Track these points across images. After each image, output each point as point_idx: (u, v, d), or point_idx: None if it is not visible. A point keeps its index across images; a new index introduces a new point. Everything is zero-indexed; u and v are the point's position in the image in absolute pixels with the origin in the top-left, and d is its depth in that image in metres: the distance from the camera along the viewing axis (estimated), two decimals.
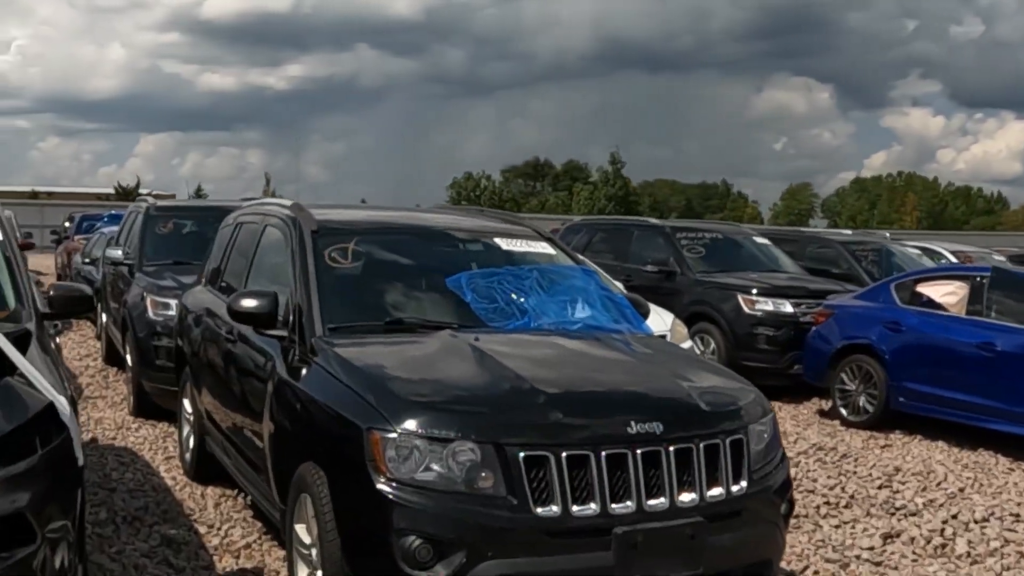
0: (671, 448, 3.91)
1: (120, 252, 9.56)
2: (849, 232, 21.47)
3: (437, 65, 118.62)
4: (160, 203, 10.32)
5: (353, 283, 4.90)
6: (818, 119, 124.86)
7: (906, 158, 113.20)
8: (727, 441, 4.10)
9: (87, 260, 14.29)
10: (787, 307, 11.52)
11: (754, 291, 11.60)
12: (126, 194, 51.35)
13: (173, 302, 7.93)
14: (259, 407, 4.76)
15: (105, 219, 20.26)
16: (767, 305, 11.54)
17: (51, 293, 4.64)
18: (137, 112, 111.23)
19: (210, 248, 6.96)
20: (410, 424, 3.68)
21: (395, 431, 3.66)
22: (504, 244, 5.35)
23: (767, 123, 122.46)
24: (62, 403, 3.48)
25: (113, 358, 10.96)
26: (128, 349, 8.74)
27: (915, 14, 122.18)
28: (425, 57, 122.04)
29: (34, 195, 51.83)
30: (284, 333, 4.60)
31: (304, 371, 4.35)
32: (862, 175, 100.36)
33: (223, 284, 6.19)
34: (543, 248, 5.52)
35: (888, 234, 21.65)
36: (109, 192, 54.35)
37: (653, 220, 14.96)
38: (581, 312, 5.08)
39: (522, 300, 4.86)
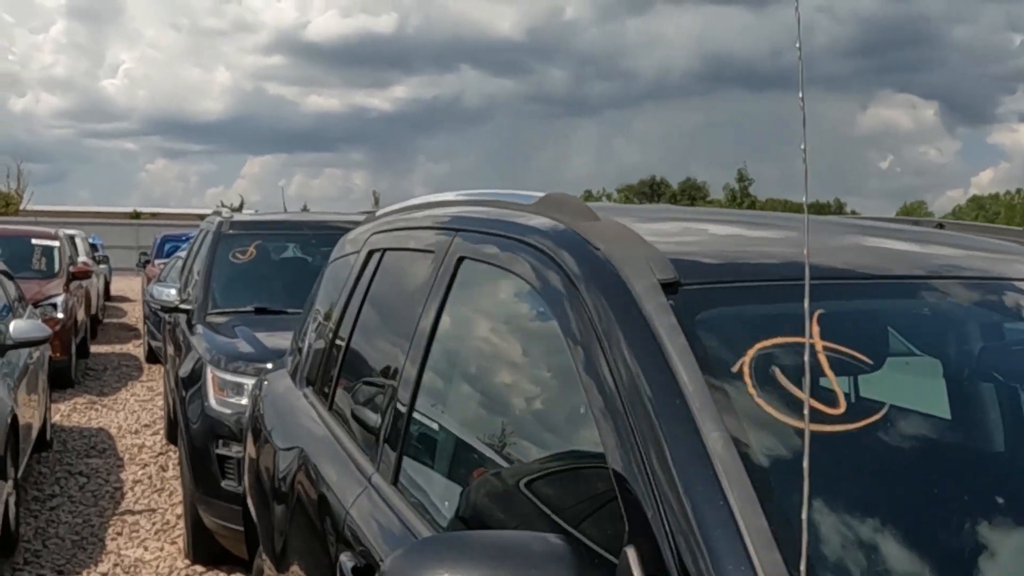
0: None
1: (173, 291, 6.18)
2: None
3: (540, 85, 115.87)
4: (237, 217, 6.90)
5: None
6: (924, 136, 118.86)
7: (1014, 175, 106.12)
8: None
9: None
10: None
11: None
12: None
13: (250, 383, 4.55)
14: None
15: (189, 240, 17.19)
16: None
17: None
18: (243, 134, 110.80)
19: (311, 297, 3.51)
20: None
21: None
22: None
23: (873, 141, 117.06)
24: None
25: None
26: (180, 453, 5.38)
27: (1022, 27, 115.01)
28: (528, 77, 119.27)
29: (136, 215, 50.17)
30: None
31: None
32: (970, 193, 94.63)
33: (343, 389, 2.69)
34: None
35: None
36: (211, 212, 52.32)
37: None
38: None
39: None
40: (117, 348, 14.31)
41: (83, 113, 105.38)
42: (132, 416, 9.36)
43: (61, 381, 10.29)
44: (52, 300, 9.96)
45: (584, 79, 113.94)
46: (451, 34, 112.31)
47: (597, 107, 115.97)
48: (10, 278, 7.29)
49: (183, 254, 11.81)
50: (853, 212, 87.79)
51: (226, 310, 5.71)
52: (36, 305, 9.76)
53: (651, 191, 78.76)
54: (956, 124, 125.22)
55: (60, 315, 9.90)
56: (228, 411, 4.73)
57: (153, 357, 12.38)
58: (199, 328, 5.53)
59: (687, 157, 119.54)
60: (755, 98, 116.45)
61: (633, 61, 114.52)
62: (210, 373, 4.86)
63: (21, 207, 40.71)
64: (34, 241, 11.03)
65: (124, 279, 28.21)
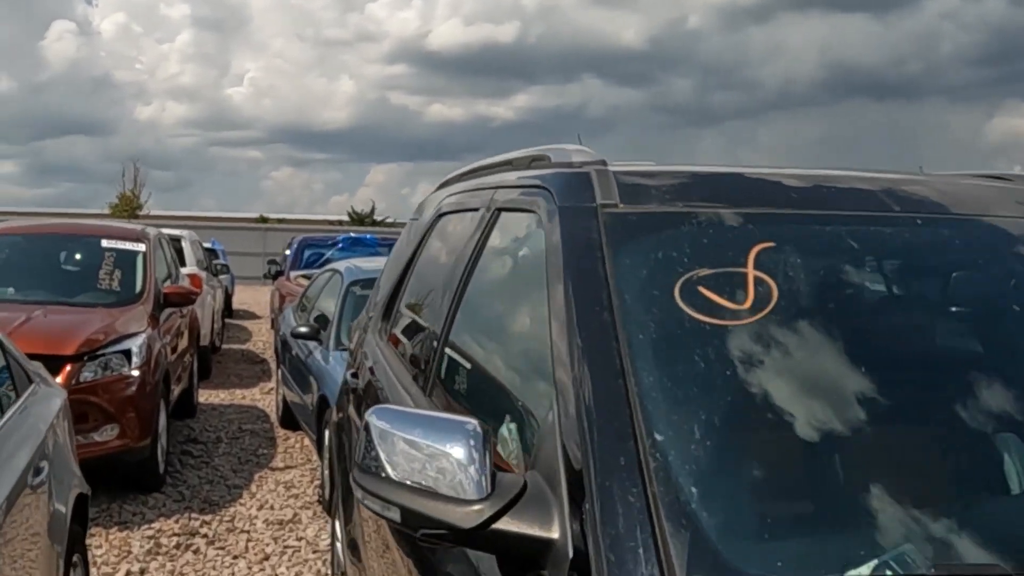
0: None
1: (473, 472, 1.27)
2: None
3: (663, 95, 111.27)
4: (635, 165, 2.06)
5: None
6: None
7: None
8: None
9: (303, 329, 6.72)
10: None
11: None
12: (360, 221, 45.76)
13: None
14: None
15: (340, 244, 12.67)
16: None
17: None
18: (367, 142, 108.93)
19: None
20: None
21: None
22: None
23: (1000, 151, 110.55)
24: None
25: None
26: None
27: None
28: (651, 87, 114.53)
29: (263, 220, 47.17)
30: None
31: None
32: None
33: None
34: None
35: None
36: (342, 219, 48.97)
37: None
38: None
39: None
40: (237, 396, 10.07)
41: (208, 121, 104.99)
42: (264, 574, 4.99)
43: (141, 482, 6.02)
44: (123, 345, 5.63)
45: (708, 89, 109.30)
46: (573, 43, 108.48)
47: (721, 117, 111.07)
48: None
49: (341, 266, 7.38)
50: None
51: None
52: (93, 356, 5.47)
53: None
54: None
55: (135, 371, 5.58)
56: None
57: (290, 419, 8.07)
58: None
59: (815, 167, 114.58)
60: (879, 107, 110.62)
61: (757, 70, 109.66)
62: None
63: (140, 212, 37.80)
64: (105, 243, 6.61)
65: (249, 290, 24.41)
